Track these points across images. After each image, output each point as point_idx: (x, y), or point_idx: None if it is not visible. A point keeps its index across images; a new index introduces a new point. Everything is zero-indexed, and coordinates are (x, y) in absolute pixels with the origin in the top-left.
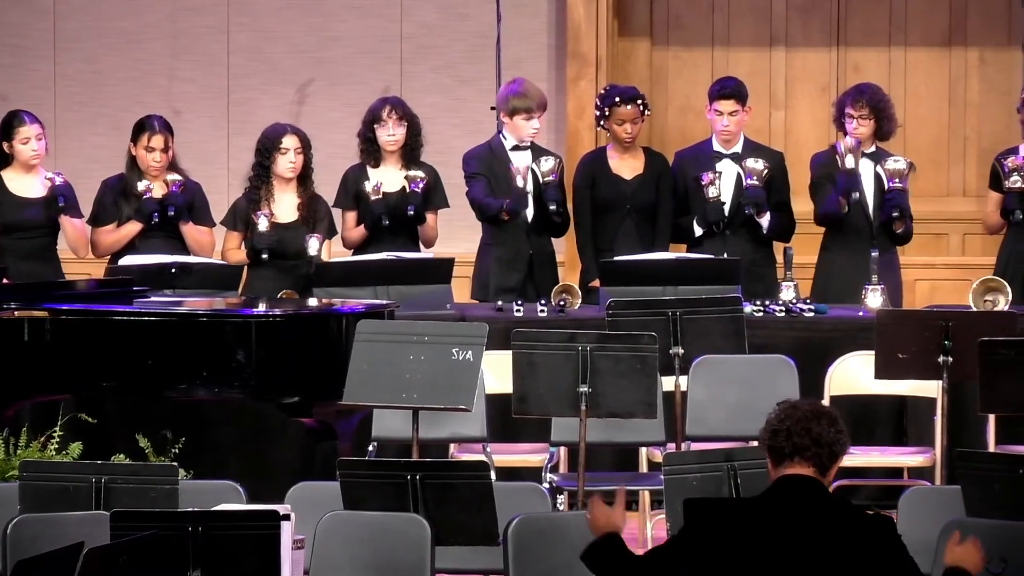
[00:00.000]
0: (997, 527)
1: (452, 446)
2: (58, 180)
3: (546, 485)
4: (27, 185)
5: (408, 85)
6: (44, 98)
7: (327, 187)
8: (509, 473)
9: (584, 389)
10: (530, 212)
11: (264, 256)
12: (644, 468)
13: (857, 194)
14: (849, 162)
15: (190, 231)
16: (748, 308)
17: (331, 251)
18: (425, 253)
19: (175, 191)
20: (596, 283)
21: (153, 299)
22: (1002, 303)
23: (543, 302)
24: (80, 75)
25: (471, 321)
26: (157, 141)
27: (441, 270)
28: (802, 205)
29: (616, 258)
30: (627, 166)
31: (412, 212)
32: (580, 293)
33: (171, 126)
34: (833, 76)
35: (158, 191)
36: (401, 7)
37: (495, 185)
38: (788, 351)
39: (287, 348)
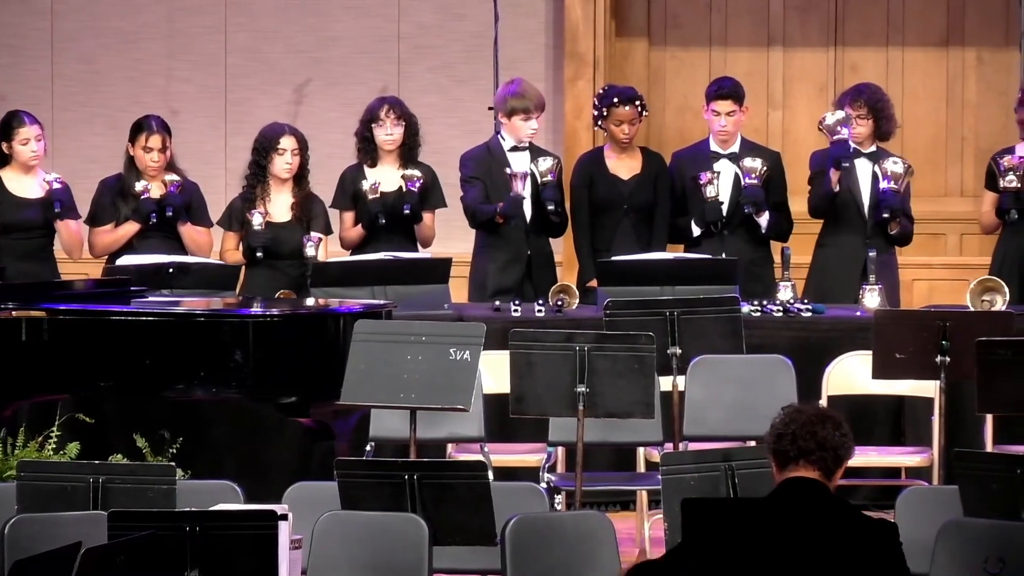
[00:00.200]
0: (995, 527)
1: (450, 446)
2: (56, 185)
3: (543, 485)
4: (25, 185)
5: (405, 85)
6: (42, 98)
7: (324, 187)
8: (507, 473)
9: (582, 389)
10: (528, 212)
11: (259, 254)
12: (642, 468)
13: (847, 164)
14: (829, 121)
15: (188, 231)
16: (746, 308)
17: (327, 250)
18: (423, 253)
19: (173, 191)
20: (594, 283)
21: (151, 299)
22: (1000, 303)
23: (541, 302)
24: (78, 75)
25: (468, 321)
26: (155, 141)
27: (439, 270)
28: (800, 205)
29: (614, 258)
30: (624, 166)
31: (408, 211)
32: (578, 293)
33: (169, 126)
34: (831, 76)
35: (156, 191)
36: (398, 7)
37: (491, 188)
38: (786, 351)
39: (284, 348)
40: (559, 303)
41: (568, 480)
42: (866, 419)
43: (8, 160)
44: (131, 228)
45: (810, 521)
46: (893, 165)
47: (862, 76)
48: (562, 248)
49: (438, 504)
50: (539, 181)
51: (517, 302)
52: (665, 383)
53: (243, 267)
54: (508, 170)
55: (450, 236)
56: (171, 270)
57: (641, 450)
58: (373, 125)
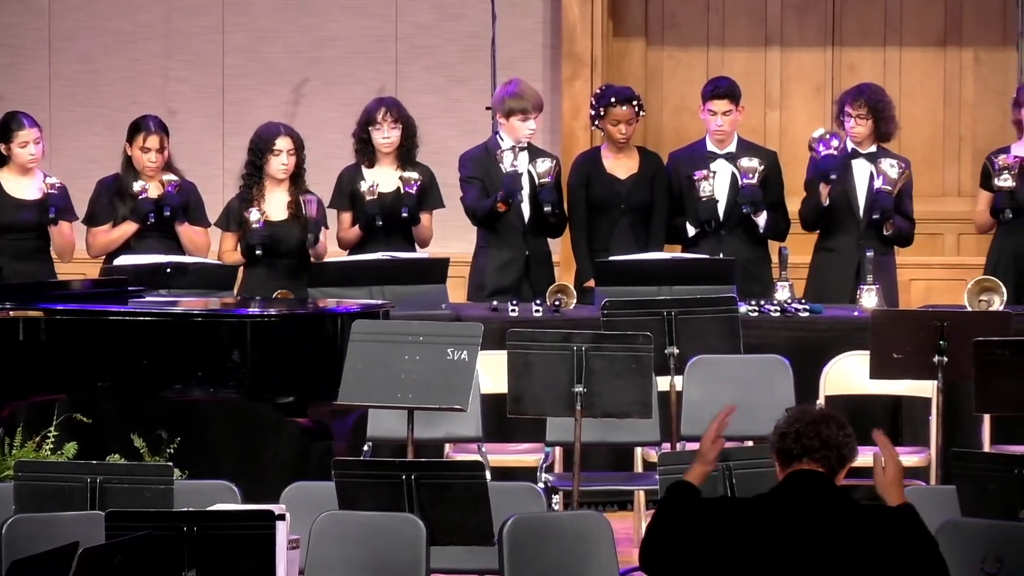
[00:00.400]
0: (992, 527)
1: (447, 446)
2: (54, 189)
3: (541, 485)
4: (23, 187)
5: (403, 85)
6: (39, 98)
7: (322, 187)
8: (504, 473)
9: (579, 389)
10: (526, 213)
11: (258, 252)
12: (639, 468)
13: (834, 176)
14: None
15: (185, 231)
16: (743, 308)
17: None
18: (420, 253)
19: (171, 191)
20: (591, 283)
21: (148, 299)
22: (997, 303)
23: (538, 302)
24: (75, 75)
25: (466, 321)
26: (153, 141)
27: (436, 270)
28: (797, 205)
29: (611, 258)
30: (621, 166)
31: (406, 214)
32: (575, 293)
33: (167, 126)
34: (828, 76)
35: (153, 191)
36: (396, 7)
37: (490, 187)
38: (783, 351)
39: (282, 348)
40: (557, 303)
41: (566, 480)
42: (863, 419)
43: (6, 161)
44: (129, 228)
45: (816, 512)
46: (889, 168)
47: (859, 76)
48: (560, 248)
49: (436, 504)
50: (537, 182)
51: (515, 302)
52: (663, 383)
53: (241, 267)
54: (499, 149)
55: (448, 236)
56: (168, 270)
57: (639, 450)
58: (370, 127)
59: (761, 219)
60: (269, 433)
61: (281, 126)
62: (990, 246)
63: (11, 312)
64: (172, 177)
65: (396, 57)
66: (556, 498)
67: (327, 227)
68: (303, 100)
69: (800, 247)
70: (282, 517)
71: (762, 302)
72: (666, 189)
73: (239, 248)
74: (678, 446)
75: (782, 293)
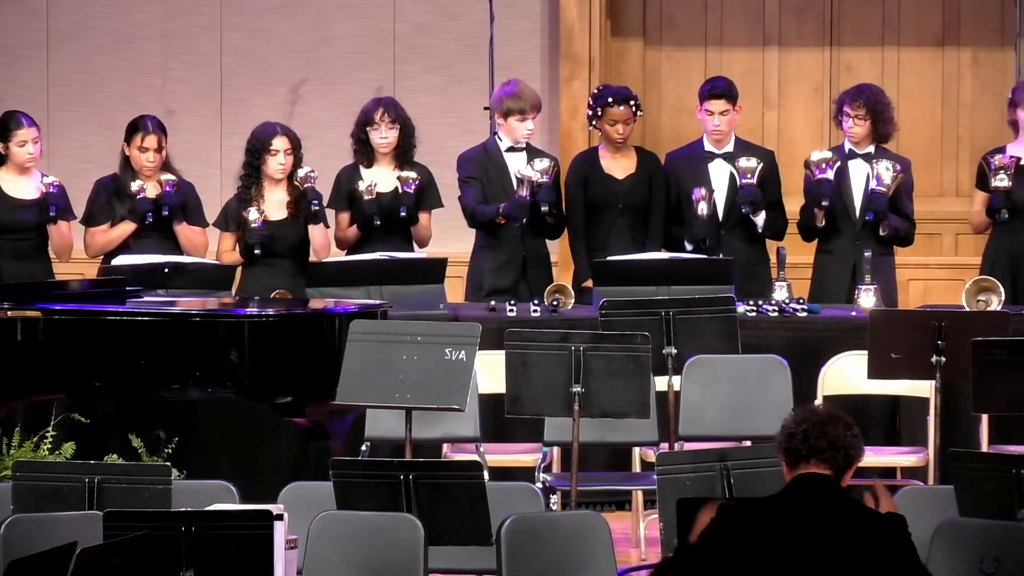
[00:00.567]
0: (990, 527)
1: (445, 446)
2: (52, 188)
3: (539, 485)
4: (21, 187)
5: (401, 85)
6: (37, 98)
7: (320, 187)
8: (502, 473)
9: (577, 389)
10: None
11: (257, 251)
12: (637, 468)
13: (827, 202)
14: (814, 158)
15: (183, 231)
16: (741, 308)
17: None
18: (418, 253)
19: (169, 191)
20: (589, 283)
21: (146, 299)
22: (995, 303)
23: (536, 302)
24: (73, 75)
25: (464, 321)
26: (150, 141)
27: (434, 270)
28: (794, 204)
29: (609, 258)
30: (619, 166)
31: (405, 213)
32: (573, 293)
33: (164, 126)
34: (826, 76)
35: (151, 191)
36: (394, 7)
37: (488, 188)
38: (781, 351)
39: (280, 348)
40: (555, 303)
41: (564, 480)
42: (862, 419)
43: (4, 161)
44: (127, 228)
45: (821, 517)
46: (884, 171)
47: (857, 76)
48: (558, 248)
49: (434, 504)
50: (535, 183)
51: (513, 302)
52: (661, 383)
53: (239, 267)
54: (516, 174)
55: (446, 236)
56: (167, 270)
57: (637, 450)
58: (368, 127)
59: (760, 219)
60: (267, 433)
61: (278, 126)
62: (986, 246)
63: (9, 312)
64: (170, 177)
65: (394, 57)
66: (554, 498)
67: (327, 225)
68: (301, 100)
69: (798, 247)
70: (280, 517)
71: (760, 302)
72: (664, 189)
73: (237, 248)
74: (676, 446)
75: (780, 293)
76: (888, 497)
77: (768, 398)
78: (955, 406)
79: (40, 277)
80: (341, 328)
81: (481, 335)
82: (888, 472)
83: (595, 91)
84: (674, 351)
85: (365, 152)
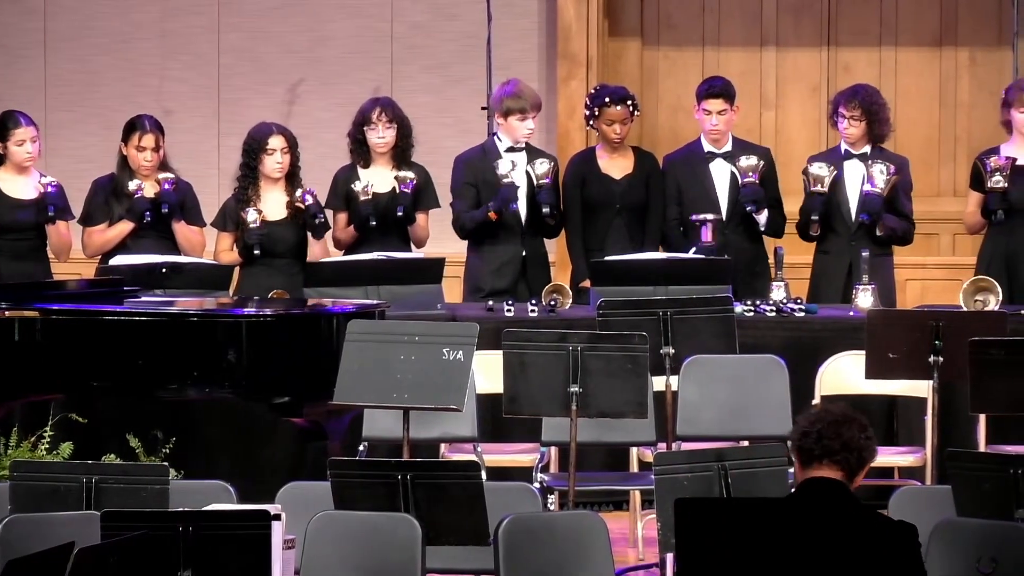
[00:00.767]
0: (987, 527)
1: (443, 446)
2: (50, 189)
3: (537, 485)
4: (19, 186)
5: (399, 85)
6: (35, 98)
7: (318, 186)
8: (500, 473)
9: (575, 389)
10: (523, 213)
11: (257, 252)
12: (635, 468)
13: (816, 216)
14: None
15: (182, 229)
16: (739, 308)
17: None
18: (416, 253)
19: (168, 189)
20: (587, 283)
21: (144, 299)
22: (992, 303)
23: (534, 302)
24: (71, 75)
25: (462, 321)
26: (148, 140)
27: (432, 270)
28: (791, 204)
29: (606, 258)
30: (616, 166)
31: (402, 213)
32: (571, 293)
33: (162, 126)
34: (824, 76)
35: (149, 191)
36: (392, 7)
37: (484, 191)
38: (779, 351)
39: (277, 348)
40: (552, 303)
41: (561, 480)
42: None
43: (2, 161)
44: (125, 227)
45: (830, 522)
46: (878, 173)
47: (855, 76)
48: (556, 248)
49: (431, 504)
50: (535, 184)
51: (510, 302)
52: (658, 383)
53: (237, 267)
54: (496, 157)
55: (444, 236)
56: (164, 270)
57: (634, 450)
58: (365, 127)
59: (763, 217)
60: (265, 433)
61: (273, 125)
62: (981, 247)
63: (7, 312)
64: (168, 175)
65: (392, 57)
66: (552, 498)
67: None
68: (299, 100)
69: (797, 247)
70: (278, 517)
71: (757, 302)
72: (661, 189)
73: (235, 248)
74: (673, 446)
75: (777, 293)
76: None
77: (766, 398)
78: (953, 406)
79: (38, 277)
80: (339, 328)
81: (479, 335)
82: (886, 472)
83: (592, 91)
84: (672, 351)
85: (362, 152)
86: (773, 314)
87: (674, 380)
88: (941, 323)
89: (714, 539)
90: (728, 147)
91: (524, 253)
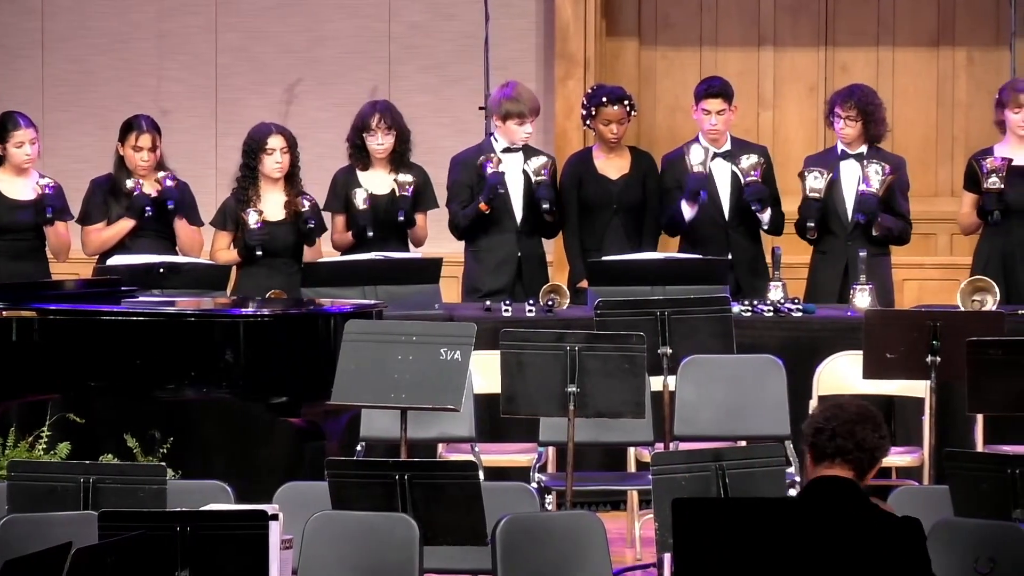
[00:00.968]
0: (985, 527)
1: (440, 446)
2: (48, 190)
3: (534, 485)
4: (18, 187)
5: (396, 85)
6: (32, 98)
7: (316, 187)
8: (497, 473)
9: (572, 389)
10: (519, 214)
11: (259, 253)
12: (632, 468)
13: (812, 223)
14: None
15: (183, 227)
16: (736, 308)
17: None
18: (414, 253)
19: (170, 187)
20: (584, 283)
21: (141, 299)
22: (990, 303)
23: (531, 302)
24: (68, 75)
25: (459, 321)
26: (144, 140)
27: (429, 270)
28: (789, 204)
29: (604, 258)
30: (613, 166)
31: (403, 217)
32: (568, 293)
33: (159, 126)
34: (821, 76)
35: (148, 188)
36: (389, 7)
37: (479, 191)
38: (776, 351)
39: (275, 348)
40: (550, 303)
41: (559, 480)
42: None
43: (1, 162)
44: (125, 225)
45: (840, 521)
46: (874, 173)
47: (852, 76)
48: (553, 248)
49: (429, 504)
50: (533, 180)
51: (508, 302)
52: (656, 383)
53: (235, 266)
54: (486, 158)
55: (441, 236)
56: (161, 270)
57: (632, 450)
58: (364, 133)
59: (766, 216)
60: (262, 433)
61: (273, 125)
62: (976, 247)
63: (4, 312)
64: (166, 173)
65: (389, 57)
66: (549, 498)
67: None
68: (296, 100)
69: (794, 247)
70: (275, 517)
71: (755, 302)
72: (658, 189)
73: (232, 247)
74: (671, 446)
75: (775, 293)
76: None
77: (763, 398)
78: (950, 406)
79: (37, 278)
80: (336, 328)
81: (476, 335)
82: (883, 472)
83: (589, 91)
84: (669, 351)
85: (361, 156)
86: (771, 314)
87: (672, 380)
88: (939, 323)
89: (712, 539)
90: (727, 146)
91: (519, 254)
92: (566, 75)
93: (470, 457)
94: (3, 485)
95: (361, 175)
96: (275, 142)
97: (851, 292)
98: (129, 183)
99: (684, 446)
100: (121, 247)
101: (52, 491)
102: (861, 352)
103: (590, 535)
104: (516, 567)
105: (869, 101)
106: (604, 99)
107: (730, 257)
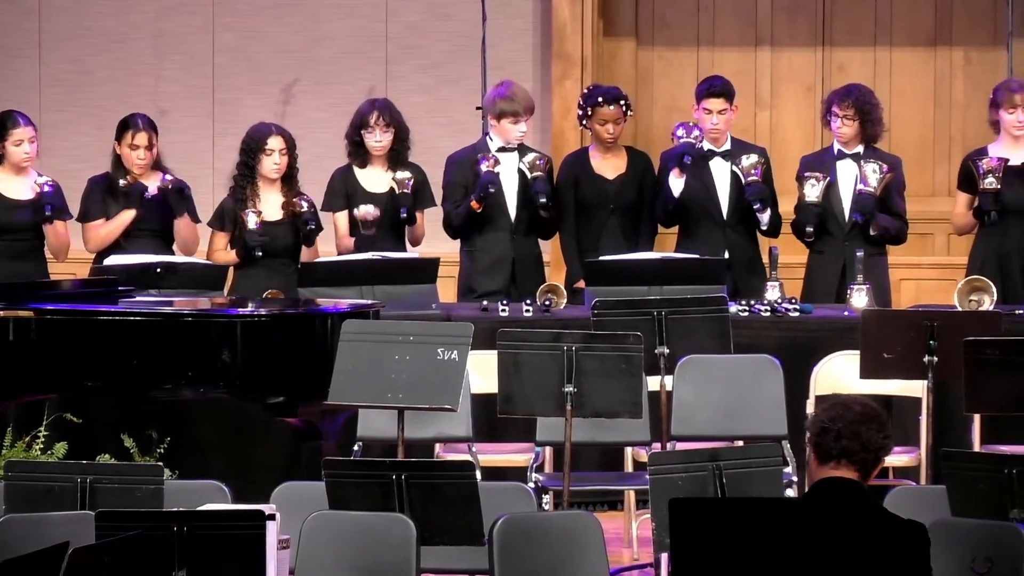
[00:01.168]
0: (982, 527)
1: (437, 446)
2: (47, 188)
3: (531, 485)
4: (17, 187)
5: (393, 85)
6: (29, 98)
7: (314, 186)
8: (494, 473)
9: (569, 389)
10: (513, 214)
11: (258, 253)
12: (629, 468)
13: (811, 228)
14: (806, 189)
15: (184, 223)
16: (733, 308)
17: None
18: (411, 253)
19: (174, 183)
20: (581, 284)
21: (138, 299)
22: (987, 303)
23: (528, 302)
24: (65, 75)
25: (456, 321)
26: (141, 139)
27: (427, 270)
28: (787, 204)
29: (601, 258)
30: (609, 166)
31: (404, 215)
32: (565, 293)
33: (155, 124)
34: (818, 76)
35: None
36: (386, 7)
37: (473, 190)
38: (773, 351)
39: (272, 348)
40: (547, 303)
41: (556, 480)
42: None
43: (0, 161)
44: (126, 217)
45: (845, 523)
46: (871, 173)
47: (849, 76)
48: (550, 248)
49: (426, 504)
50: (528, 175)
51: (505, 302)
52: (653, 383)
53: (233, 267)
54: (481, 157)
55: (438, 236)
56: (159, 270)
57: (629, 450)
58: (363, 130)
59: (766, 216)
60: (259, 433)
61: (272, 126)
62: (972, 247)
63: (1, 312)
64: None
65: (386, 57)
66: (546, 498)
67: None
68: (293, 100)
69: (791, 247)
70: (272, 517)
71: (752, 302)
72: (654, 188)
73: (229, 247)
74: (668, 446)
75: (772, 293)
76: None
77: (760, 398)
78: (947, 406)
79: (35, 277)
80: (333, 328)
81: (473, 335)
82: (881, 472)
83: (585, 91)
84: (666, 351)
85: (359, 153)
86: (768, 314)
87: (669, 380)
88: (936, 323)
89: (709, 539)
90: (727, 146)
91: (513, 254)
92: (563, 75)
93: (467, 457)
94: (0, 485)
95: (359, 173)
96: (275, 143)
97: (848, 292)
98: (122, 182)
99: (681, 446)
100: (118, 247)
101: (49, 491)
102: (858, 352)
103: (587, 535)
104: (513, 567)
105: (866, 101)
106: (600, 99)
107: (727, 257)
